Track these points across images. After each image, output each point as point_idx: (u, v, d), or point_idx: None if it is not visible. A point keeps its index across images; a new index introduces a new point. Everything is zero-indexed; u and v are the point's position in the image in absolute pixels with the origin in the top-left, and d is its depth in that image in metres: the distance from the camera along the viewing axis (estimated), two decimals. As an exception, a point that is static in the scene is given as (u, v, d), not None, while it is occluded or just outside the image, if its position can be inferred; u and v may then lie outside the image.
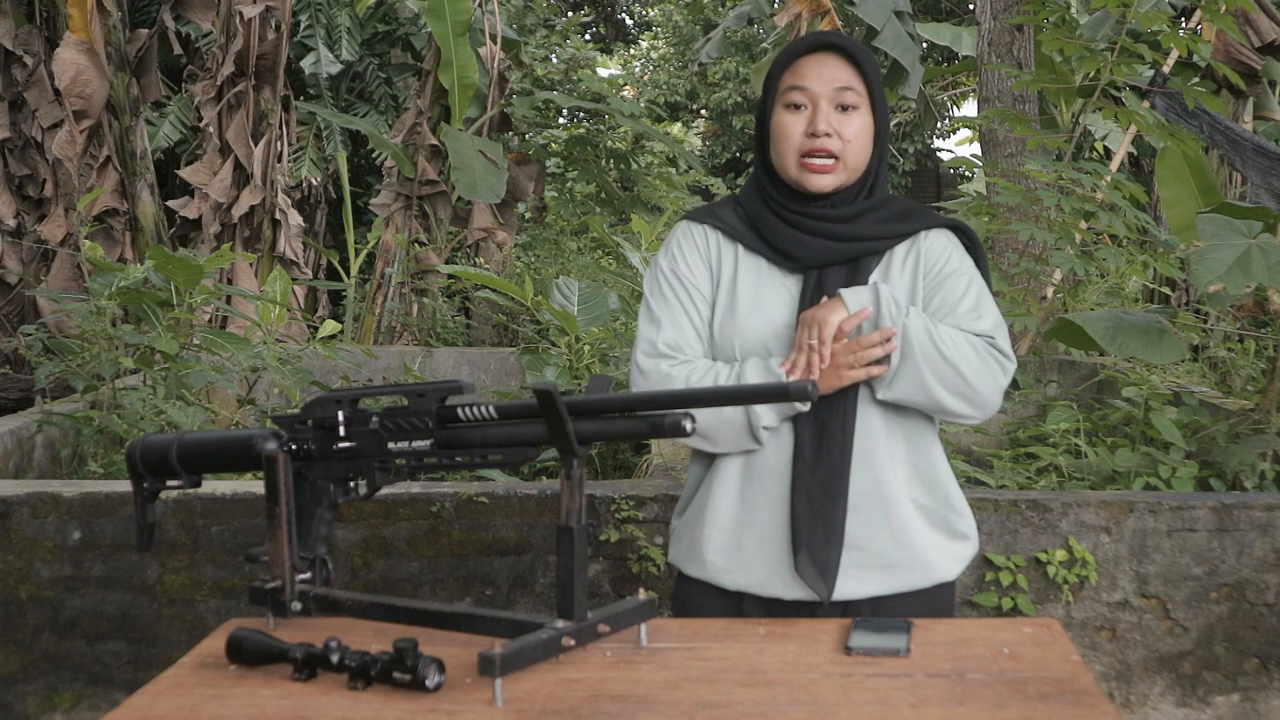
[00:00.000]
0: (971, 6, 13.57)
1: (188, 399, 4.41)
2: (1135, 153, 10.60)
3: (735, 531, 1.89)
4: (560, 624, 1.44)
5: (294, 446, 1.59)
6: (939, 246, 1.91)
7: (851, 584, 1.84)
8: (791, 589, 1.84)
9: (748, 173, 15.64)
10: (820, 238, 1.87)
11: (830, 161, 1.85)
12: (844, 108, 1.86)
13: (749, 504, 1.87)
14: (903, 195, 2.02)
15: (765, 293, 1.89)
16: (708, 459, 1.94)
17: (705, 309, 1.93)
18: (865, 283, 1.86)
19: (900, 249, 1.91)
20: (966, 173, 15.73)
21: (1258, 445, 3.87)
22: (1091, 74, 5.52)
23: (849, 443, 1.83)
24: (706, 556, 1.91)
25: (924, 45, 13.41)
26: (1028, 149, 5.81)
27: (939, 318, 1.87)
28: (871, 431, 1.85)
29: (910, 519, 1.86)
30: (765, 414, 1.82)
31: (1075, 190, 4.81)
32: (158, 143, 10.11)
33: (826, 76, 1.86)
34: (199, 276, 4.68)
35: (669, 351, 1.90)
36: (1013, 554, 3.16)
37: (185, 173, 8.01)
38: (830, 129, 1.84)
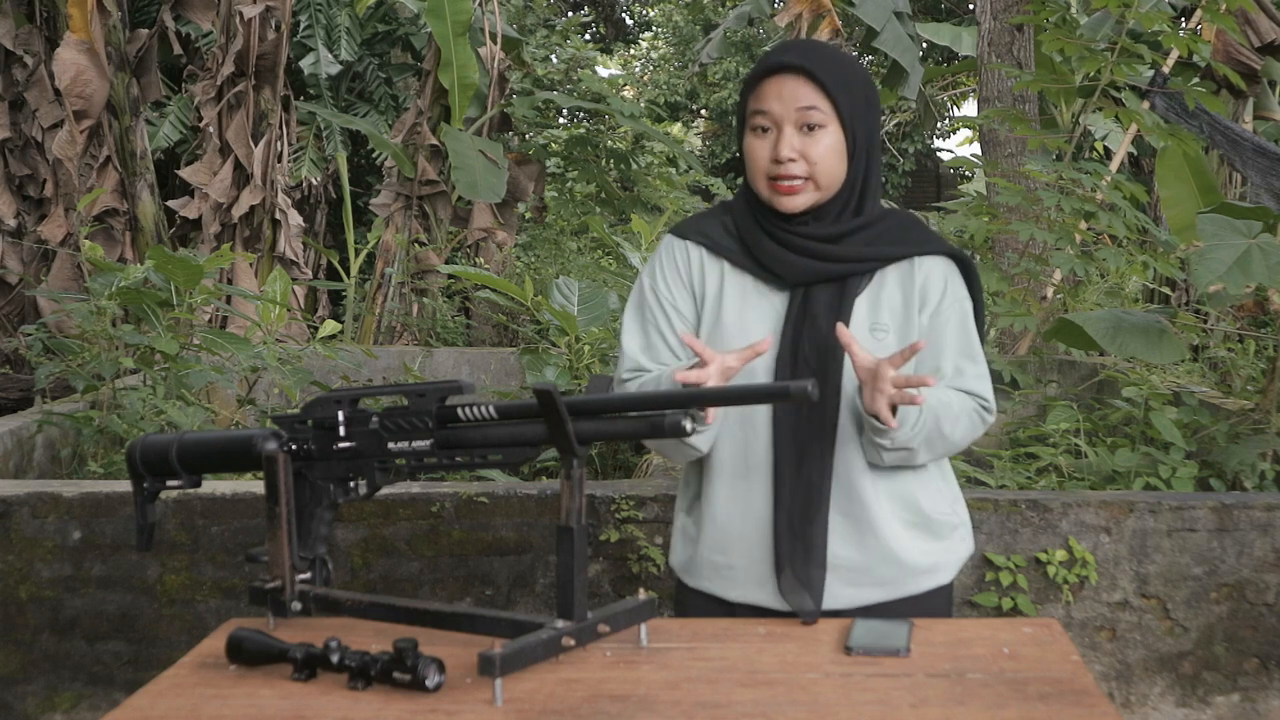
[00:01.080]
0: (971, 6, 13.57)
1: (188, 399, 4.41)
2: (1135, 153, 10.60)
3: (727, 550, 1.89)
4: (560, 624, 1.44)
5: (294, 446, 1.59)
6: (937, 276, 1.88)
7: (840, 601, 1.83)
8: (783, 605, 1.83)
9: (748, 173, 15.67)
10: (806, 256, 1.85)
11: (798, 182, 1.83)
12: (809, 127, 1.82)
13: (739, 524, 1.87)
14: (900, 209, 1.99)
15: (750, 310, 1.88)
16: (694, 472, 1.95)
17: (683, 329, 1.91)
18: (852, 302, 1.84)
19: (893, 270, 1.87)
20: (966, 173, 15.73)
21: (1258, 445, 3.87)
22: (1092, 74, 5.52)
23: (828, 464, 1.82)
24: (702, 572, 1.92)
25: (924, 45, 13.41)
26: (1028, 149, 5.80)
27: (931, 361, 1.86)
28: (851, 452, 1.84)
29: (895, 536, 1.85)
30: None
31: (1075, 190, 4.81)
32: (158, 143, 10.11)
33: (787, 97, 1.82)
34: (199, 276, 4.67)
35: (629, 376, 1.90)
36: (1013, 554, 3.16)
37: (185, 173, 8.01)
38: (794, 153, 1.81)
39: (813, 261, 1.85)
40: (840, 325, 1.73)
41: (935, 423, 1.79)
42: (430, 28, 9.15)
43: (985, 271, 4.61)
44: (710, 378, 1.69)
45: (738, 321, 1.87)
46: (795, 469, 1.82)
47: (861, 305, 1.85)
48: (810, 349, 1.82)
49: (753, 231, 1.89)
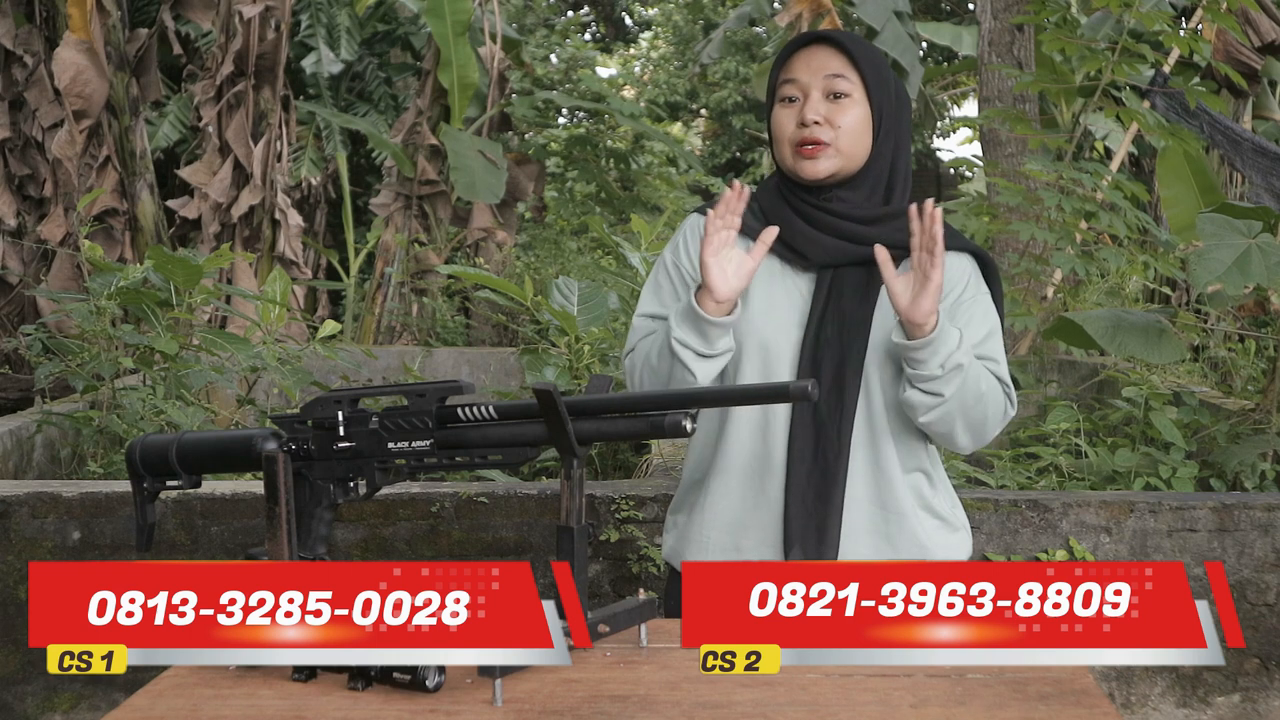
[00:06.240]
0: (971, 6, 13.57)
1: (187, 399, 4.40)
2: (1136, 153, 10.59)
3: (733, 534, 1.88)
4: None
5: (294, 446, 1.58)
6: (959, 270, 1.88)
7: None
8: None
9: (748, 172, 15.68)
10: (836, 236, 1.85)
11: (822, 146, 1.84)
12: (836, 96, 1.84)
13: (747, 506, 1.87)
14: None
15: (777, 291, 1.87)
16: (706, 453, 1.93)
17: None
18: (880, 286, 1.84)
19: None
20: (967, 173, 15.73)
21: (1258, 445, 3.87)
22: (1092, 74, 5.52)
23: (845, 445, 1.82)
24: (704, 558, 1.90)
25: (924, 45, 13.41)
26: (1028, 149, 5.80)
27: None
28: (869, 434, 1.84)
29: (908, 521, 1.86)
30: (680, 331, 1.79)
31: (1076, 190, 4.81)
32: (157, 143, 10.11)
33: (815, 66, 1.85)
34: (198, 276, 4.67)
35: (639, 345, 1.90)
36: (1013, 554, 3.15)
37: (185, 173, 8.02)
38: (819, 117, 1.83)
39: (842, 242, 1.85)
40: (878, 245, 1.76)
41: (974, 380, 1.78)
42: (430, 27, 9.16)
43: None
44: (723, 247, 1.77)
45: (764, 302, 1.87)
46: (812, 449, 1.82)
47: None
48: (833, 330, 1.82)
49: (781, 211, 1.89)
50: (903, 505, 1.86)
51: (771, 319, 1.85)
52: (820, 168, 1.85)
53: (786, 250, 1.88)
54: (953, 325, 1.78)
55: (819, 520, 1.81)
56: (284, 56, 7.99)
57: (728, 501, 1.88)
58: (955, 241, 1.91)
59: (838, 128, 1.84)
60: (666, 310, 1.91)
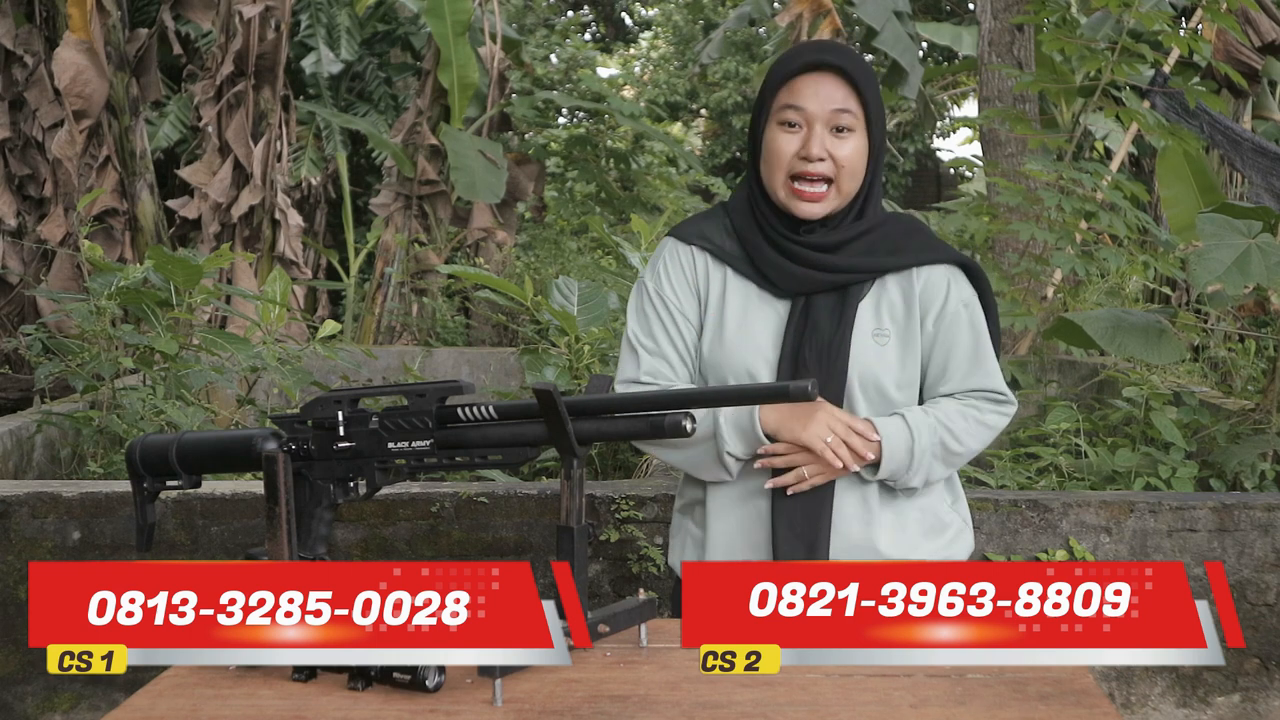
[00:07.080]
0: (971, 6, 13.57)
1: (187, 399, 4.40)
2: (1136, 153, 10.59)
3: (732, 551, 1.89)
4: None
5: (294, 446, 1.58)
6: (938, 282, 1.88)
7: None
8: None
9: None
10: (806, 267, 1.85)
11: (822, 189, 1.82)
12: (839, 130, 1.82)
13: (746, 524, 1.87)
14: (903, 214, 1.98)
15: (753, 317, 1.88)
16: None
17: (690, 334, 1.91)
18: (855, 309, 1.84)
19: (893, 278, 1.87)
20: (967, 173, 15.73)
21: (1258, 445, 3.87)
22: (1092, 74, 5.52)
23: None
24: None
25: (924, 45, 13.41)
26: (1028, 149, 5.81)
27: (939, 364, 1.87)
28: None
29: (903, 535, 1.86)
30: (733, 445, 1.82)
31: (1076, 190, 4.81)
32: (157, 143, 10.11)
33: (823, 97, 1.82)
34: (198, 276, 4.67)
35: (649, 381, 1.90)
36: (1013, 554, 3.16)
37: (185, 173, 8.01)
38: (824, 153, 1.81)
39: (813, 272, 1.85)
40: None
41: (940, 445, 1.82)
42: (430, 27, 9.15)
43: (985, 271, 4.62)
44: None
45: (740, 328, 1.87)
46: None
47: (864, 311, 1.86)
48: (811, 355, 1.82)
49: (754, 237, 1.88)
50: (878, 512, 1.86)
51: (748, 345, 1.85)
52: (817, 210, 1.84)
53: (760, 277, 1.88)
54: (903, 432, 1.81)
55: (808, 541, 1.81)
56: (284, 56, 7.99)
57: (723, 520, 1.89)
58: (933, 253, 1.89)
59: (840, 165, 1.82)
60: (658, 343, 1.91)
